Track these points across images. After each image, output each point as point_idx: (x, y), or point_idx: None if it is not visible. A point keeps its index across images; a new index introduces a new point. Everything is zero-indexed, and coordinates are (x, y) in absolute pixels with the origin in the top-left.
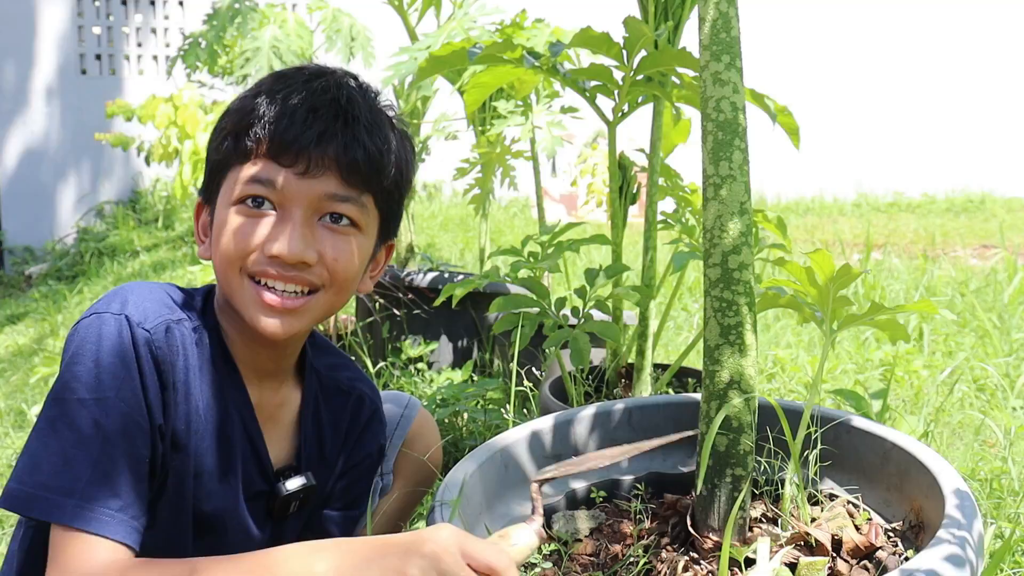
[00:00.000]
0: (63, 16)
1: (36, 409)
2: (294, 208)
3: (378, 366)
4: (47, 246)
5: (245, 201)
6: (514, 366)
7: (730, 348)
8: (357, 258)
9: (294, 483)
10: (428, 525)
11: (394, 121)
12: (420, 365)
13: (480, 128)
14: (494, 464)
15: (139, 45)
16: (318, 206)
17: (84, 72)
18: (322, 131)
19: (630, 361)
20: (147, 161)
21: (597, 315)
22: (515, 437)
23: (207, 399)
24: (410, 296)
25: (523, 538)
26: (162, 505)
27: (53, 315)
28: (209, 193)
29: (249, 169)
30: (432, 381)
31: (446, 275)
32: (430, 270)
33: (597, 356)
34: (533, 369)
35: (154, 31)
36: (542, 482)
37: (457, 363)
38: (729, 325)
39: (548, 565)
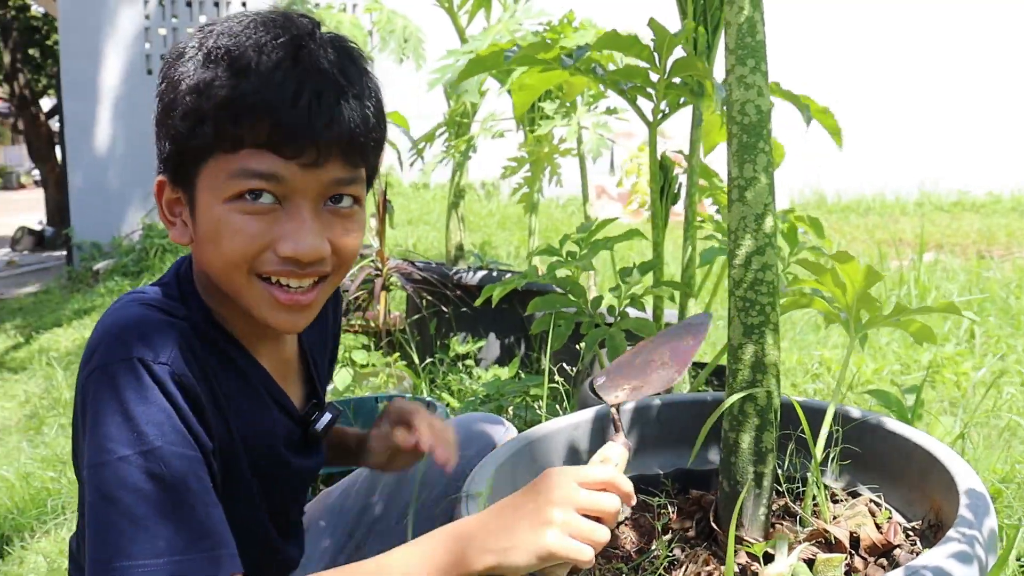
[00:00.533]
0: (132, 17)
1: None
2: (300, 200)
3: (425, 362)
4: (114, 242)
5: (242, 196)
6: (546, 363)
7: (753, 347)
8: (361, 233)
9: (323, 421)
10: (454, 519)
11: (367, 68)
12: (468, 362)
13: (529, 128)
14: (523, 457)
15: None
16: (323, 192)
17: (150, 72)
18: (328, 117)
19: None
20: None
21: (634, 313)
22: (546, 431)
23: (233, 394)
24: (458, 294)
25: (616, 453)
26: (235, 507)
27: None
28: (179, 175)
29: (242, 161)
30: (479, 378)
31: (494, 273)
32: (479, 269)
33: None
34: (567, 367)
35: None
36: (618, 405)
37: (504, 360)
38: (752, 324)
39: None
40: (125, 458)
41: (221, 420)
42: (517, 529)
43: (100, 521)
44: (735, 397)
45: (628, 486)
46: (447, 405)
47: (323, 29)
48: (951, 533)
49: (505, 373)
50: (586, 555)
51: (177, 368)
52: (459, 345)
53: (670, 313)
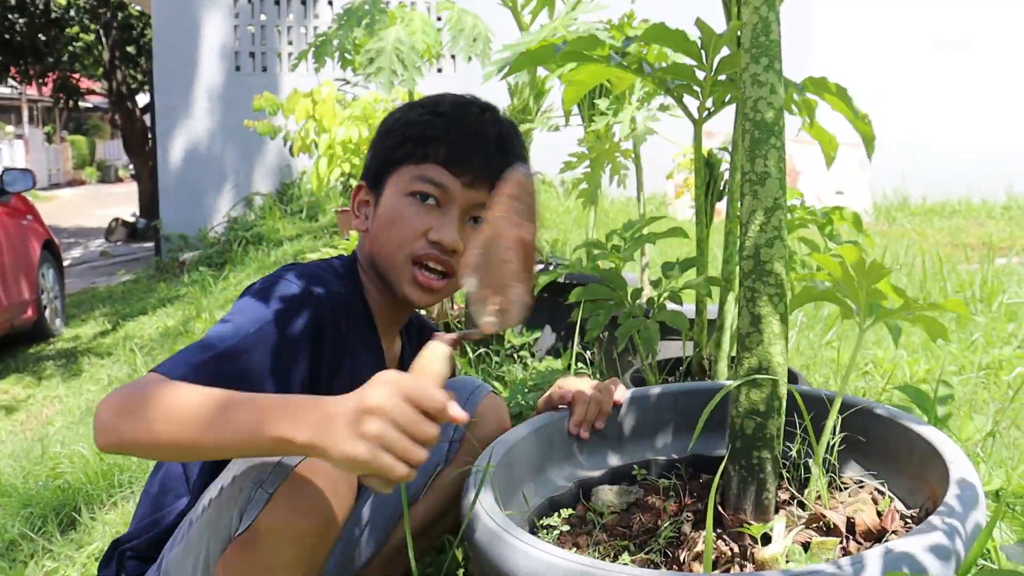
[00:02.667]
0: (221, 15)
1: None
2: (453, 208)
3: (478, 352)
4: (200, 234)
5: (416, 195)
6: (573, 349)
7: (760, 336)
8: None
9: None
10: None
11: (524, 144)
12: (523, 353)
13: (587, 124)
14: (541, 437)
15: (290, 43)
16: (470, 211)
17: (238, 69)
18: (487, 156)
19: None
20: (291, 152)
21: (672, 307)
22: (565, 413)
23: (355, 355)
24: None
25: (435, 350)
26: None
27: (199, 300)
28: (375, 180)
29: (424, 170)
30: (533, 369)
31: (551, 267)
32: (538, 262)
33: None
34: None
35: (304, 29)
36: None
37: (559, 351)
38: (759, 314)
39: (566, 528)
40: (234, 322)
41: (335, 363)
42: (335, 425)
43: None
44: (733, 384)
45: (459, 415)
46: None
47: (508, 118)
48: (932, 520)
49: (558, 364)
50: (398, 472)
51: (328, 301)
52: (514, 337)
53: (712, 309)
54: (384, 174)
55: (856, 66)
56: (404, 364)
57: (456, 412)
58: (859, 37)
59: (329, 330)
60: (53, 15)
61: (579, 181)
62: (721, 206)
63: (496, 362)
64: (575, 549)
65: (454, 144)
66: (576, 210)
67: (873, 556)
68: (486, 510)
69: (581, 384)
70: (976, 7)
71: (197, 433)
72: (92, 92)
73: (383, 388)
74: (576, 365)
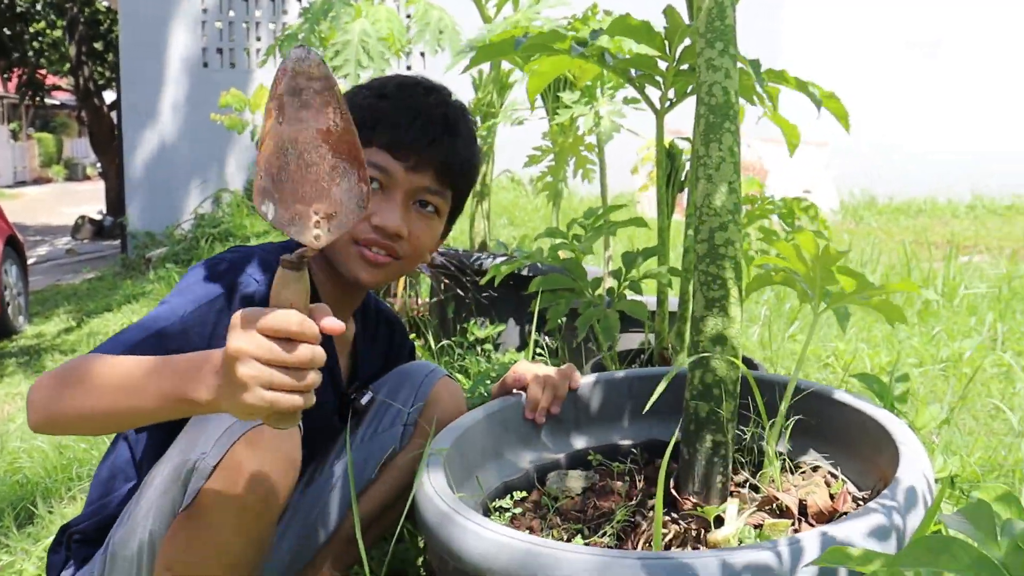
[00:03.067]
0: (189, 11)
1: None
2: (397, 192)
3: (440, 344)
4: (167, 231)
5: None
6: (531, 338)
7: (713, 319)
8: (432, 238)
9: (365, 398)
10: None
11: (473, 129)
12: (487, 346)
13: (551, 117)
14: (495, 422)
15: (258, 40)
16: (414, 194)
17: (206, 65)
18: (432, 139)
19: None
20: (258, 148)
21: (632, 297)
22: (521, 398)
23: None
24: (478, 279)
25: (277, 276)
26: None
27: (165, 296)
28: None
29: (368, 155)
30: (497, 361)
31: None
32: (502, 255)
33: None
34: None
35: (273, 25)
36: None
37: (524, 345)
38: (713, 298)
39: (518, 511)
40: (166, 302)
41: None
42: (219, 379)
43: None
44: (683, 362)
45: (312, 330)
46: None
47: (458, 100)
48: (872, 504)
49: (521, 356)
50: (286, 403)
51: (261, 290)
52: (478, 329)
53: (674, 300)
54: None
55: (826, 66)
56: (358, 349)
57: (327, 324)
58: (829, 37)
59: None
60: (19, 10)
61: (544, 175)
62: (684, 197)
63: (459, 354)
64: (529, 532)
65: (397, 127)
66: (544, 208)
67: (811, 537)
68: (437, 492)
69: (537, 369)
70: (946, 7)
71: (117, 400)
72: (59, 88)
73: (235, 331)
74: (535, 354)
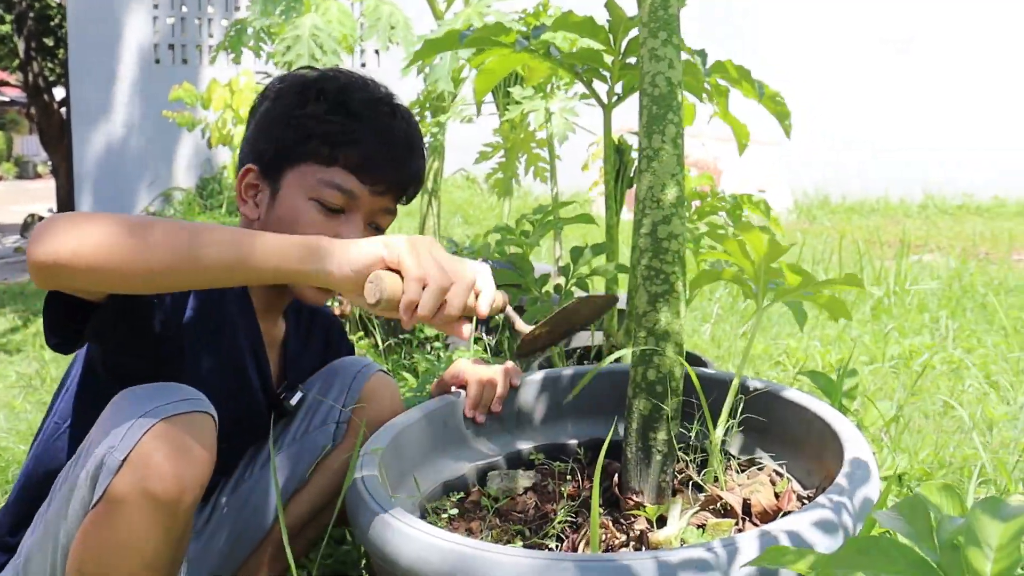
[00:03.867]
0: (140, 6)
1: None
2: (358, 214)
3: (387, 342)
4: None
5: (322, 201)
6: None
7: (656, 315)
8: None
9: (295, 398)
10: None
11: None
12: (436, 344)
13: (502, 113)
14: (433, 421)
15: (211, 36)
16: (373, 215)
17: (158, 62)
18: (399, 164)
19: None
20: (209, 145)
21: (579, 294)
22: (460, 396)
23: (231, 332)
24: None
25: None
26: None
27: None
28: (269, 168)
29: (332, 175)
30: (446, 360)
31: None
32: (451, 253)
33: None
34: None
35: (226, 21)
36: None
37: (473, 343)
38: (657, 293)
39: (456, 512)
40: None
41: (208, 339)
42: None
43: None
44: (620, 354)
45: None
46: (405, 382)
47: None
48: (820, 499)
49: (469, 354)
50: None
51: None
52: (427, 327)
53: (622, 296)
54: (282, 166)
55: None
56: (288, 349)
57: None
58: (804, 33)
59: (206, 308)
60: None
61: (495, 172)
62: (634, 193)
63: (407, 352)
64: (467, 534)
65: (366, 151)
66: (499, 206)
67: (748, 537)
68: (370, 493)
69: (477, 367)
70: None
71: (178, 255)
72: (7, 84)
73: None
74: (494, 352)
